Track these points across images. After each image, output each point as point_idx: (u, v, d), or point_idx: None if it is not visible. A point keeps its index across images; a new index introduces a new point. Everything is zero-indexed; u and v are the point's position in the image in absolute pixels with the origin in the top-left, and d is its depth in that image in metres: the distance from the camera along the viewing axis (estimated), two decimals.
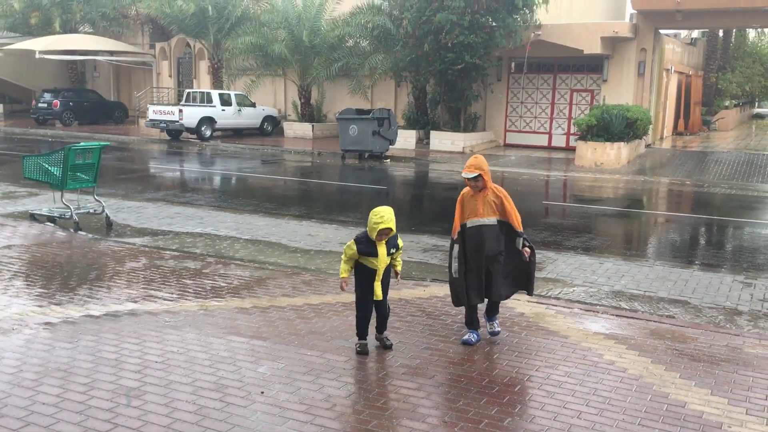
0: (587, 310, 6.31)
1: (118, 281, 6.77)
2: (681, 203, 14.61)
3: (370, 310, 5.08)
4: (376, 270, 4.94)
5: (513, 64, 23.09)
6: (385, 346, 5.17)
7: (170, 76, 32.25)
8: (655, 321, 6.05)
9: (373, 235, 4.82)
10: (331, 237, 9.57)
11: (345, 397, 4.30)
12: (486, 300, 5.43)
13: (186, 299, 6.22)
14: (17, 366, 4.62)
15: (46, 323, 5.49)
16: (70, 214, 9.57)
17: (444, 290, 6.73)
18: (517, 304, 6.35)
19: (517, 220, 5.25)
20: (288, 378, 4.55)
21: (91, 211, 10.01)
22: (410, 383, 4.54)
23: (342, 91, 25.75)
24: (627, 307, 6.62)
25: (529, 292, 5.52)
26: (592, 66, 22.50)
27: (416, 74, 22.36)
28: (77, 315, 5.69)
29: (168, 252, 8.19)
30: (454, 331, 5.55)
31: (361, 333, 5.11)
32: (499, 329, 5.49)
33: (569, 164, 19.19)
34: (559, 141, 23.36)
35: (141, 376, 4.51)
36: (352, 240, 4.96)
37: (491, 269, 5.25)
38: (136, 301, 6.11)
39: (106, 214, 9.92)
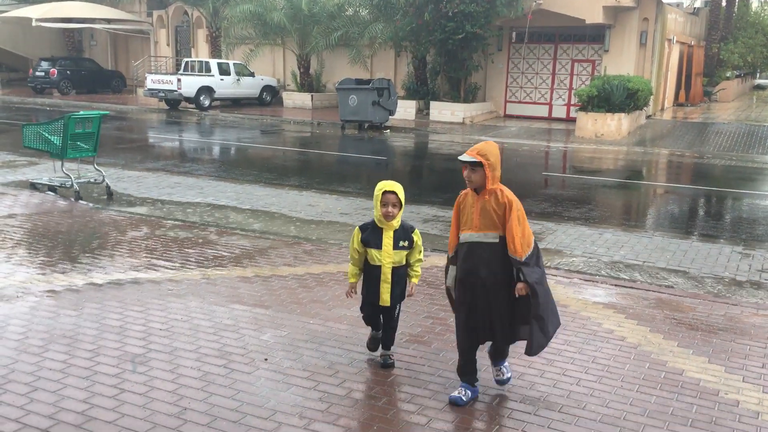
0: (586, 280, 6.36)
1: (121, 250, 6.80)
2: (681, 174, 14.62)
3: (372, 315, 4.32)
4: (380, 267, 4.12)
5: (514, 34, 22.91)
6: (384, 365, 4.30)
7: (168, 44, 31.98)
8: (653, 291, 6.10)
9: (378, 210, 4.07)
10: (331, 207, 9.59)
11: (347, 364, 4.35)
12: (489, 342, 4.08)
13: (188, 268, 6.26)
14: (23, 333, 4.67)
15: (50, 291, 5.53)
16: (70, 183, 9.58)
17: (444, 259, 6.76)
18: None
19: (519, 243, 3.68)
20: (291, 345, 4.61)
21: (92, 180, 10.01)
22: (412, 351, 4.59)
23: (341, 60, 25.57)
24: (626, 277, 6.67)
25: (527, 350, 3.87)
26: (594, 36, 22.32)
27: (416, 44, 22.19)
28: (81, 283, 5.73)
29: (169, 221, 8.22)
30: None
31: (371, 326, 4.43)
32: (509, 375, 4.11)
33: (569, 135, 19.15)
34: (559, 112, 23.27)
35: (146, 343, 4.57)
36: (357, 227, 4.24)
37: (492, 305, 3.84)
38: (138, 270, 6.15)
39: (107, 183, 9.92)
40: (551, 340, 4.02)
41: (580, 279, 6.39)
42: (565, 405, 3.91)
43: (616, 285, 6.24)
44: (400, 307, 4.31)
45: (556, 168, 15.09)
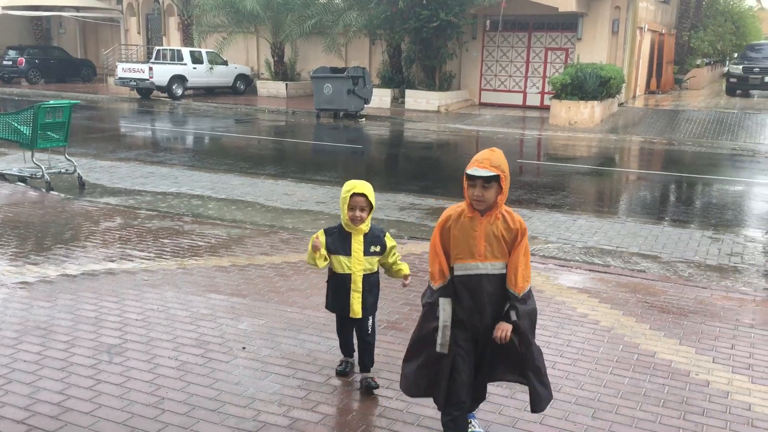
0: (561, 266, 6.44)
1: (94, 241, 6.73)
2: (652, 161, 14.81)
3: (346, 334, 3.99)
4: (350, 276, 3.73)
5: (488, 22, 22.94)
6: (367, 388, 3.84)
7: (139, 32, 31.53)
8: (626, 275, 6.20)
9: (345, 214, 3.66)
10: (307, 196, 9.57)
11: (325, 351, 4.37)
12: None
13: (163, 258, 6.21)
14: None
15: (23, 282, 5.46)
16: (41, 173, 9.43)
17: (421, 247, 6.82)
18: None
19: (522, 275, 3.05)
20: (269, 334, 4.61)
21: (63, 170, 9.87)
22: (390, 338, 4.62)
23: (316, 49, 25.43)
24: (600, 263, 6.76)
25: (534, 406, 3.19)
26: (567, 24, 22.45)
27: (391, 32, 22.14)
28: (54, 274, 5.67)
29: (143, 211, 8.14)
30: None
31: (343, 350, 4.08)
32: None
33: (544, 123, 19.29)
34: (533, 100, 23.41)
35: (122, 333, 4.54)
36: (321, 230, 3.79)
37: (487, 350, 3.20)
38: (113, 261, 6.09)
39: (78, 173, 9.79)
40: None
41: (555, 264, 6.46)
42: None
43: (590, 270, 6.33)
44: (374, 319, 3.91)
45: (530, 155, 15.21)
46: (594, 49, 21.87)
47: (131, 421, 3.48)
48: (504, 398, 3.84)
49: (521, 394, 3.89)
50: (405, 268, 3.87)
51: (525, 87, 23.61)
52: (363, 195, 3.66)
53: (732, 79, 26.84)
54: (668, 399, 3.86)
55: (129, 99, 24.40)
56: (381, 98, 22.33)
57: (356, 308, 3.76)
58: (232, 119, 20.04)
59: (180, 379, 3.94)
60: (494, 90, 24.06)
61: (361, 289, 3.76)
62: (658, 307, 5.33)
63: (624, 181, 12.39)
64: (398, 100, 23.10)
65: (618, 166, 13.97)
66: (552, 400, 3.28)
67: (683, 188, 11.77)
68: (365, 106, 20.17)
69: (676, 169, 13.46)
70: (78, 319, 4.75)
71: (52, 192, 9.11)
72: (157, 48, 26.11)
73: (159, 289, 5.40)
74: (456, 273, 3.08)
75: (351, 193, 3.65)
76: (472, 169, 2.96)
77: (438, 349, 3.09)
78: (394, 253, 3.85)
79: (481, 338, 3.14)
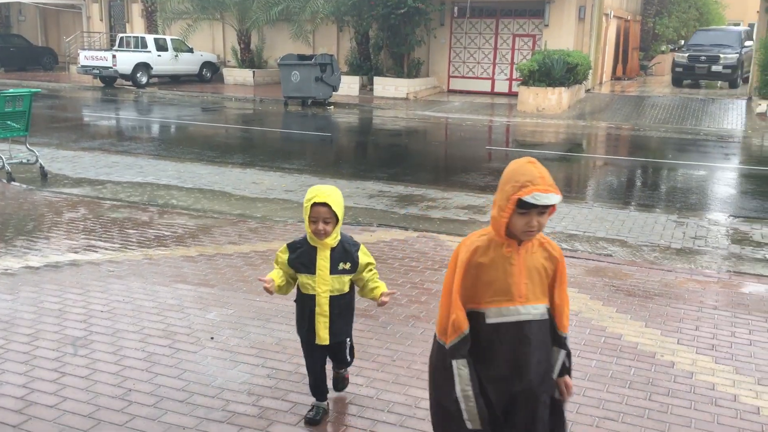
0: None
1: (57, 232, 6.59)
2: (619, 147, 14.99)
3: (316, 368, 3.39)
4: (314, 297, 3.22)
5: (456, 9, 22.94)
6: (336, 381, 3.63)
7: (101, 20, 30.89)
8: (593, 260, 6.27)
9: (308, 225, 3.13)
10: (275, 184, 9.50)
11: (295, 340, 4.32)
12: None
13: (129, 249, 6.12)
14: None
15: None
16: (1, 164, 9.20)
17: (391, 234, 6.82)
18: None
19: (567, 313, 2.54)
20: (237, 323, 4.57)
21: (24, 161, 9.65)
22: (359, 325, 4.60)
23: (283, 36, 25.18)
24: (567, 247, 6.82)
25: None
26: (534, 11, 22.55)
27: (359, 19, 22.01)
28: (16, 266, 5.54)
29: (108, 202, 8.00)
30: (401, 274, 5.64)
31: (313, 392, 3.47)
32: None
33: (512, 110, 19.38)
34: (501, 86, 23.50)
35: (87, 325, 4.46)
36: (284, 246, 3.28)
37: (526, 416, 2.47)
38: (77, 252, 5.98)
39: (40, 164, 9.57)
40: None
41: None
42: None
43: None
44: (351, 342, 3.47)
45: (499, 142, 15.28)
46: (561, 36, 22.00)
47: (97, 413, 3.43)
48: None
49: None
50: (382, 286, 3.28)
51: (493, 74, 23.68)
52: (326, 205, 3.07)
53: (678, 69, 24.97)
54: (634, 380, 3.92)
55: (92, 87, 23.92)
56: (349, 86, 22.22)
57: (322, 334, 3.24)
58: (198, 107, 19.78)
59: (147, 370, 3.89)
60: (463, 77, 24.09)
61: (327, 313, 3.21)
62: (625, 291, 5.40)
63: (591, 167, 12.52)
64: (366, 87, 23.02)
65: (585, 152, 14.11)
66: None
67: (649, 173, 11.93)
68: (333, 93, 20.05)
69: (642, 155, 13.64)
70: (41, 311, 4.66)
71: (13, 183, 8.90)
72: (120, 35, 25.61)
73: (125, 280, 5.32)
74: (488, 320, 2.41)
75: (312, 202, 3.08)
76: (535, 196, 2.25)
77: (469, 426, 2.40)
78: (371, 270, 3.28)
79: (517, 402, 2.45)
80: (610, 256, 6.55)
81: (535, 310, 2.44)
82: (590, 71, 22.01)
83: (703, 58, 24.05)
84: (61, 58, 30.77)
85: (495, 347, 2.43)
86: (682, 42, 29.19)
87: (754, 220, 8.11)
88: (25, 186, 8.77)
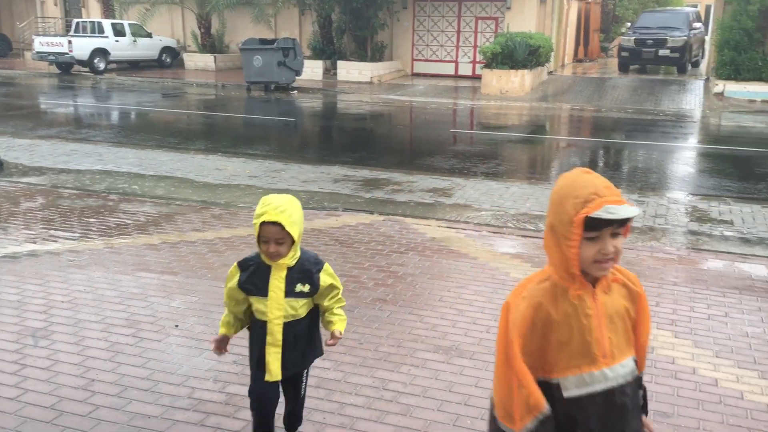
0: (495, 232, 6.54)
1: (15, 222, 6.44)
2: (581, 128, 15.17)
3: (261, 398, 2.85)
4: (266, 324, 2.73)
5: None
6: None
7: (56, 4, 30.08)
8: None
9: (258, 243, 2.65)
10: (239, 170, 9.40)
11: None
12: None
13: (89, 238, 6.00)
14: None
15: None
16: None
17: (357, 218, 6.81)
18: (428, 229, 6.49)
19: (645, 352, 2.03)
20: (202, 311, 4.52)
21: None
22: None
23: (244, 20, 24.83)
24: (532, 228, 6.89)
25: None
26: None
27: (321, 2, 21.80)
28: None
29: (67, 191, 7.83)
30: (367, 258, 5.64)
31: (259, 423, 2.91)
32: None
33: (476, 92, 19.45)
34: (465, 69, 23.54)
35: (47, 316, 4.37)
36: (235, 265, 2.79)
37: None
38: (35, 242, 5.85)
39: None
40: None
41: (489, 231, 6.55)
42: (476, 352, 4.03)
43: (522, 236, 6.45)
44: (307, 375, 2.95)
45: (463, 125, 15.34)
46: (523, 18, 22.09)
47: (60, 404, 3.37)
48: (441, 363, 3.88)
49: (457, 358, 3.95)
50: (339, 323, 2.80)
51: (457, 57, 23.70)
52: (277, 224, 2.56)
53: (624, 54, 23.07)
54: None
55: (48, 74, 23.33)
56: (312, 70, 22.04)
57: (273, 368, 2.73)
58: (158, 93, 19.44)
59: (110, 360, 3.83)
60: (426, 60, 24.07)
61: (279, 343, 2.72)
62: None
63: (554, 148, 12.64)
64: (330, 71, 22.86)
65: (548, 134, 14.25)
66: None
67: (611, 154, 12.10)
68: (297, 78, 19.87)
69: (604, 135, 13.82)
70: None
71: None
72: (76, 20, 24.98)
73: (85, 269, 5.22)
74: (568, 393, 1.85)
75: (261, 220, 2.57)
76: (608, 209, 1.73)
77: None
78: (334, 296, 2.82)
79: None
80: None
81: (623, 369, 1.87)
82: (552, 53, 22.18)
83: (650, 41, 22.13)
84: (14, 45, 29.90)
85: (579, 426, 1.86)
86: (628, 24, 26.84)
87: (712, 197, 8.28)
88: None
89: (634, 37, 22.70)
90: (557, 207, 1.81)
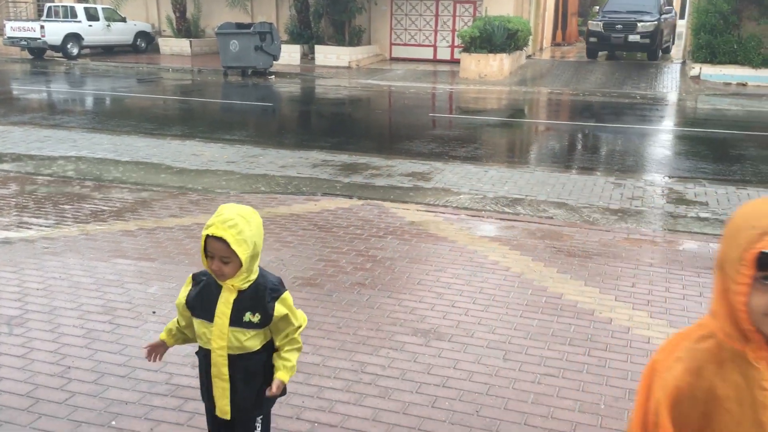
0: (473, 216, 6.56)
1: None
2: (560, 112, 15.23)
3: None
4: (209, 352, 2.34)
5: None
6: None
7: None
8: (535, 222, 6.38)
9: (204, 256, 2.27)
10: (217, 156, 9.32)
11: None
12: None
13: (64, 225, 5.93)
14: None
15: None
16: None
17: (335, 203, 6.79)
18: (407, 213, 6.49)
19: None
20: None
21: None
22: (304, 294, 4.60)
23: (220, 4, 24.52)
24: (510, 211, 6.92)
25: None
26: None
27: None
28: None
29: (40, 177, 7.72)
30: (346, 242, 5.63)
31: None
32: None
33: (454, 77, 19.42)
34: (444, 54, 23.48)
35: (22, 304, 4.31)
36: (190, 276, 2.45)
37: None
38: (8, 229, 5.76)
39: None
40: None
41: (467, 215, 6.57)
42: (454, 335, 4.05)
43: (500, 219, 6.47)
44: (265, 424, 2.48)
45: (442, 109, 15.32)
46: (501, 2, 22.02)
47: (36, 392, 3.34)
48: (419, 346, 3.90)
49: (436, 341, 3.96)
50: (283, 371, 2.36)
51: (435, 41, 23.63)
52: (222, 240, 2.18)
53: (592, 39, 21.81)
54: (574, 337, 4.03)
55: (20, 60, 22.89)
56: (290, 54, 21.85)
57: (221, 404, 2.37)
58: (134, 79, 19.17)
59: (87, 347, 3.79)
60: (405, 44, 23.97)
61: (226, 377, 2.34)
62: (565, 252, 5.52)
63: (533, 132, 12.68)
64: (308, 56, 22.68)
65: (527, 118, 14.28)
66: None
67: (589, 137, 12.16)
68: (274, 63, 19.70)
69: (582, 119, 13.89)
70: None
71: None
72: (48, 5, 24.49)
73: (60, 256, 5.16)
74: None
75: (205, 233, 2.22)
76: None
77: None
78: (288, 335, 2.37)
79: None
80: (552, 218, 6.67)
81: None
82: (530, 37, 22.18)
83: (619, 26, 20.84)
84: None
85: None
86: (596, 8, 25.14)
87: (688, 179, 8.37)
88: None
89: (602, 22, 21.34)
90: (729, 240, 1.38)
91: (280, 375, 2.36)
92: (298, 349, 2.42)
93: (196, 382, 3.44)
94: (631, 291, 4.72)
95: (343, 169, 8.69)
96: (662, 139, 11.80)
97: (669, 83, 18.23)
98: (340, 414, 3.25)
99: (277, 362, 2.39)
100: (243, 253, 2.21)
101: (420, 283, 4.82)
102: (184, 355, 3.71)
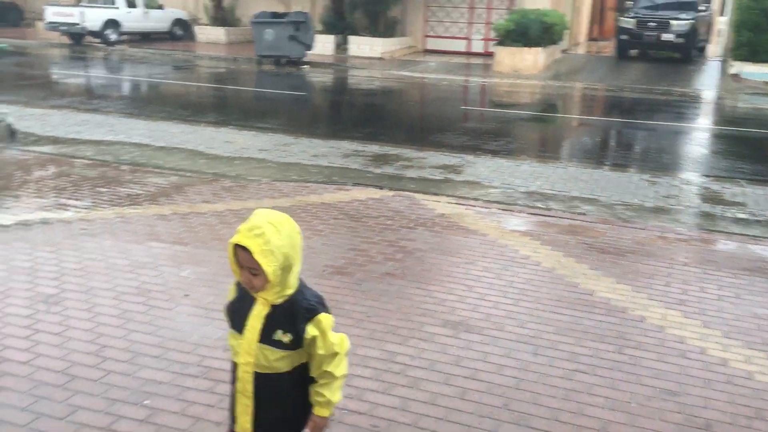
0: (504, 210, 6.52)
1: (27, 190, 6.47)
2: (594, 107, 15.04)
3: None
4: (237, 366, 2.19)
5: None
6: None
7: None
8: (567, 218, 6.33)
9: (233, 267, 2.11)
10: (249, 144, 9.39)
11: None
12: None
13: (101, 207, 6.03)
14: None
15: None
16: None
17: (366, 193, 6.80)
18: (438, 205, 6.48)
19: None
20: (212, 281, 4.54)
21: None
22: (335, 282, 4.62)
23: None
24: (542, 206, 6.87)
25: None
26: None
27: None
28: None
29: (79, 160, 7.85)
30: (377, 233, 5.64)
31: None
32: None
33: (488, 70, 19.28)
34: (477, 47, 23.31)
35: (59, 283, 4.41)
36: (234, 283, 2.25)
37: None
38: (48, 210, 5.88)
39: (8, 121, 9.33)
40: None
41: (498, 209, 6.54)
42: (484, 327, 4.04)
43: (532, 214, 6.43)
44: None
45: (474, 102, 15.23)
46: None
47: (72, 369, 3.41)
48: (448, 338, 3.90)
49: (465, 333, 3.96)
50: (319, 407, 2.18)
51: (469, 33, 23.46)
52: (247, 249, 2.01)
53: (623, 37, 20.73)
54: (605, 335, 3.99)
55: (60, 45, 23.27)
56: (324, 45, 21.87)
57: (242, 421, 2.20)
58: (170, 66, 19.38)
59: (121, 327, 3.86)
60: (438, 36, 23.85)
61: (250, 394, 2.17)
62: (598, 248, 5.46)
63: (566, 127, 12.55)
64: (341, 46, 22.68)
65: (560, 112, 14.14)
66: None
67: (623, 134, 12.00)
68: (308, 52, 19.74)
69: (617, 115, 13.70)
70: (12, 269, 4.59)
71: None
72: None
73: (97, 238, 5.25)
74: None
75: (234, 242, 2.05)
76: None
77: None
78: (325, 363, 2.16)
79: None
80: (584, 214, 6.61)
81: None
82: (566, 32, 21.90)
83: (652, 24, 19.83)
84: (27, 14, 29.81)
85: None
86: (630, 3, 23.21)
87: (726, 179, 8.22)
88: None
89: (634, 19, 20.26)
90: None
91: (317, 411, 2.18)
92: (338, 378, 2.18)
93: (228, 366, 3.49)
94: (665, 290, 4.66)
95: (374, 159, 8.69)
96: (699, 137, 11.59)
97: (708, 81, 17.89)
98: (369, 402, 3.26)
99: (312, 396, 2.19)
100: (268, 266, 2.00)
101: (450, 275, 4.82)
102: (215, 338, 3.76)
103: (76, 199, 6.22)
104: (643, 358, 3.74)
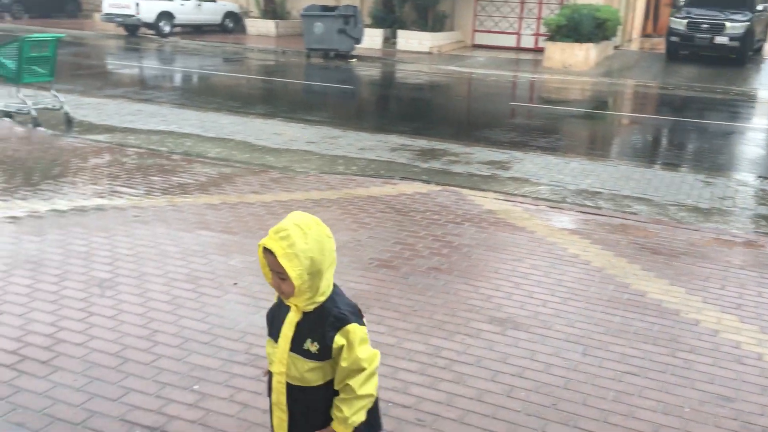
0: (553, 208, 6.42)
1: (83, 177, 6.64)
2: (646, 105, 14.71)
3: None
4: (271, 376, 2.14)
5: None
6: None
7: None
8: (618, 217, 6.20)
9: (264, 271, 2.06)
10: (297, 136, 9.46)
11: None
12: None
13: (153, 195, 6.15)
14: None
15: (12, 217, 5.39)
16: (27, 109, 9.24)
17: (413, 187, 6.79)
18: (485, 201, 6.43)
19: None
20: (260, 271, 4.52)
21: (49, 106, 9.67)
22: (381, 275, 4.62)
23: None
24: (591, 205, 6.75)
25: None
26: None
27: None
28: (43, 210, 5.60)
29: (132, 149, 8.02)
30: (423, 227, 5.62)
31: None
32: None
33: (537, 65, 19.03)
34: (527, 42, 23.02)
35: (113, 268, 4.51)
36: None
37: None
38: (102, 197, 6.02)
39: (65, 110, 9.60)
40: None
41: (547, 206, 6.45)
42: (532, 325, 3.99)
43: (581, 212, 6.32)
44: None
45: (523, 98, 15.05)
46: None
47: (124, 352, 3.49)
48: (495, 334, 3.86)
49: (512, 330, 3.92)
50: (336, 423, 2.05)
51: (519, 28, 23.19)
52: (272, 253, 1.94)
53: (673, 38, 19.75)
54: (658, 337, 3.90)
55: (115, 36, 23.81)
56: (372, 38, 21.88)
57: (279, 423, 2.14)
58: (220, 58, 19.65)
59: (172, 312, 3.93)
60: (488, 31, 23.62)
61: (284, 406, 2.10)
62: (650, 249, 5.34)
63: (617, 125, 12.31)
64: (389, 40, 22.66)
65: (612, 110, 13.87)
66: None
67: (677, 132, 11.71)
68: (356, 46, 19.79)
69: (670, 113, 13.37)
70: (68, 253, 4.71)
71: (39, 128, 8.95)
72: None
73: (149, 225, 5.35)
74: None
75: (263, 245, 1.98)
76: None
77: None
78: (347, 379, 2.02)
79: None
80: (636, 214, 6.47)
81: None
82: (619, 27, 21.46)
83: (705, 26, 18.91)
84: (84, 6, 30.59)
85: None
86: (683, 1, 21.80)
87: None
88: (50, 131, 8.81)
89: (686, 19, 19.32)
90: None
91: (333, 425, 2.05)
92: (361, 397, 2.01)
93: None
94: (720, 293, 4.53)
95: (421, 154, 8.66)
96: (757, 137, 11.23)
97: (766, 80, 17.31)
98: (414, 396, 3.25)
99: (332, 408, 2.05)
100: (292, 270, 1.91)
101: (497, 272, 4.77)
102: (262, 327, 3.79)
103: (130, 187, 6.35)
104: (697, 362, 3.64)
